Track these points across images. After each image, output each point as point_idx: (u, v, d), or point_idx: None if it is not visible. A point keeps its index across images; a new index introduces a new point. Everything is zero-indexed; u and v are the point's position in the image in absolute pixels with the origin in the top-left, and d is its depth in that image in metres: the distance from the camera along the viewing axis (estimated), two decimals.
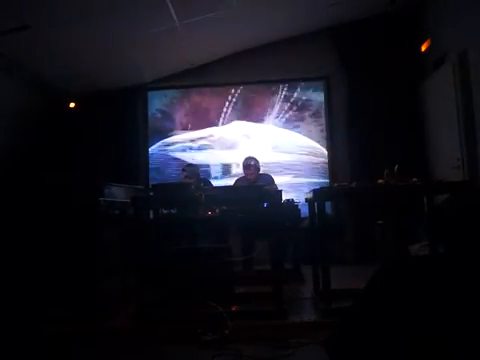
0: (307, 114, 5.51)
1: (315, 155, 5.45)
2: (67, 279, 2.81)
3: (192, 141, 5.62)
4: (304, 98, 5.53)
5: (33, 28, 3.66)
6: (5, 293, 2.79)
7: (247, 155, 4.48)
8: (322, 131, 5.48)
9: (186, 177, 4.17)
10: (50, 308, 2.70)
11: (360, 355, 1.16)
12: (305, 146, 5.47)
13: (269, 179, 4.34)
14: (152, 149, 5.66)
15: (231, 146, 5.56)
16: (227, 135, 5.58)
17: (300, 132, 5.50)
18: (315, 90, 5.54)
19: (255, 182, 4.17)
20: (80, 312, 2.66)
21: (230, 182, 5.05)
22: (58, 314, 2.66)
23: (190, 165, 4.59)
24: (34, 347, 2.37)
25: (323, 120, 5.49)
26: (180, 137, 5.65)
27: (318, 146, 5.46)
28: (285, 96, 5.55)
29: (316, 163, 5.44)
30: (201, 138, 5.61)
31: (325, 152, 5.44)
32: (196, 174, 4.27)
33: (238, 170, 5.25)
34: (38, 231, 2.93)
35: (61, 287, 2.79)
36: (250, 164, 4.27)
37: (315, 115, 5.51)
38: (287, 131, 5.51)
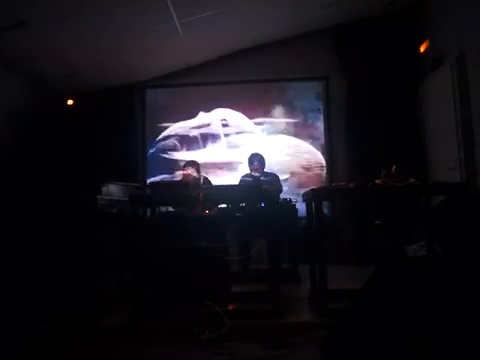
0: (305, 114, 5.50)
1: (313, 154, 5.45)
2: (65, 277, 2.80)
3: (191, 139, 5.61)
4: (302, 98, 5.53)
5: (30, 25, 3.64)
6: (2, 291, 2.78)
7: (253, 152, 4.49)
8: (320, 130, 5.48)
9: (186, 175, 4.16)
10: (47, 306, 2.70)
11: (356, 355, 1.16)
12: (303, 145, 5.47)
13: (275, 178, 4.35)
14: (150, 147, 5.65)
15: (231, 145, 5.55)
16: (226, 134, 5.57)
17: (299, 131, 5.50)
18: (313, 90, 5.54)
19: (260, 179, 4.18)
20: (77, 310, 2.66)
21: (230, 180, 5.06)
22: (55, 312, 2.65)
23: (191, 162, 4.56)
24: (31, 346, 2.37)
25: (321, 119, 5.49)
26: (179, 135, 5.64)
27: (316, 145, 5.46)
28: (283, 95, 5.55)
29: (314, 162, 5.44)
30: (200, 136, 5.60)
31: (323, 151, 5.44)
32: (197, 172, 4.25)
33: (240, 167, 5.30)
34: (36, 229, 2.92)
35: (58, 285, 2.79)
36: (255, 160, 4.29)
37: (313, 114, 5.50)
38: (286, 131, 5.51)
